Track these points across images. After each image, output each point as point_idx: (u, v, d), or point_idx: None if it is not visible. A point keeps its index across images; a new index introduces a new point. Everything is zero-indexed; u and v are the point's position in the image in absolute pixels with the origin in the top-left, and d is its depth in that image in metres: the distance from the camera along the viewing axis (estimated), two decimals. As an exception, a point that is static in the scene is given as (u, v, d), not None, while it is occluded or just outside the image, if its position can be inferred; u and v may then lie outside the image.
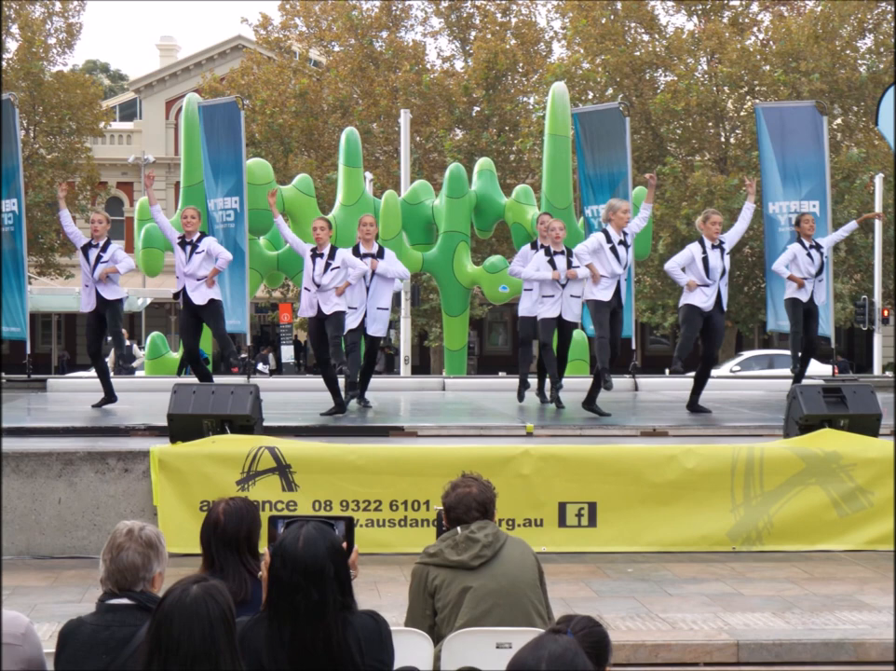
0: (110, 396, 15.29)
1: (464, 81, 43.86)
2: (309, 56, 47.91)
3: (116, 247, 15.01)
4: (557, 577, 9.46)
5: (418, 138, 42.83)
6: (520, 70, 45.10)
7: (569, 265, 14.67)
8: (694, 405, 14.98)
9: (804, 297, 15.59)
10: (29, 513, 10.83)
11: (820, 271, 15.71)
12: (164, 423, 11.60)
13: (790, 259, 15.63)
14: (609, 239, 14.13)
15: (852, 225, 16.93)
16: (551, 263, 14.70)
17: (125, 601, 4.86)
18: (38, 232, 43.30)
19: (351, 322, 14.51)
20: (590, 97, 41.53)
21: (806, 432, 11.58)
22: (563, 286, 14.69)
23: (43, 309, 43.18)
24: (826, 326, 18.11)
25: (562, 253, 14.78)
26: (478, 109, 44.62)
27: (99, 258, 14.76)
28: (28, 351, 19.33)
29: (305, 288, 14.23)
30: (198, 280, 14.61)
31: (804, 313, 15.64)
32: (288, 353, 41.03)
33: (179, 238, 14.71)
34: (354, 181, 23.70)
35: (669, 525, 11.03)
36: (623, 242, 14.16)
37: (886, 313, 40.25)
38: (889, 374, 38.38)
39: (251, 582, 5.47)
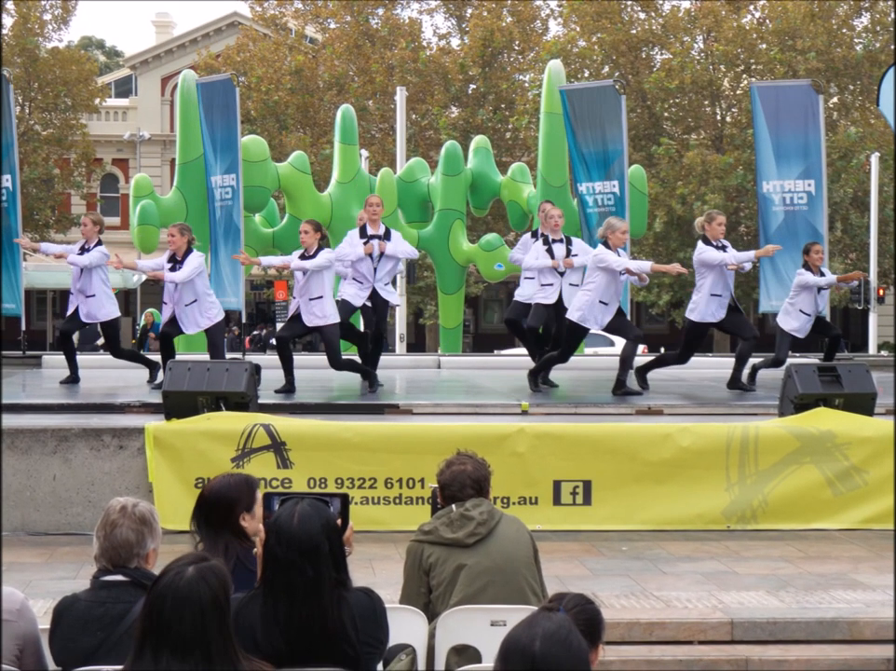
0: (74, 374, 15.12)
1: (460, 59, 43.70)
2: (305, 33, 47.72)
3: (99, 252, 14.62)
4: (552, 555, 9.46)
5: (414, 115, 42.71)
6: (516, 48, 44.93)
7: (568, 253, 14.62)
8: (736, 383, 14.55)
9: (801, 335, 14.78)
10: (24, 490, 10.82)
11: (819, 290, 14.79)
12: (159, 400, 11.61)
13: (807, 288, 14.56)
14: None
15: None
16: (549, 252, 14.63)
17: (119, 578, 4.86)
18: (33, 209, 43.19)
19: (357, 298, 14.28)
20: (586, 75, 41.38)
21: (801, 411, 11.60)
22: (562, 274, 14.61)
23: (38, 286, 43.11)
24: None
25: (560, 241, 14.68)
26: (474, 87, 44.47)
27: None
28: (23, 328, 19.29)
29: (293, 296, 13.83)
30: (186, 305, 13.91)
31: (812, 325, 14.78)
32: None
33: (169, 260, 13.95)
34: (350, 158, 23.66)
35: (664, 503, 11.04)
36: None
37: (881, 292, 40.22)
38: (884, 353, 38.38)
39: (231, 562, 5.44)
